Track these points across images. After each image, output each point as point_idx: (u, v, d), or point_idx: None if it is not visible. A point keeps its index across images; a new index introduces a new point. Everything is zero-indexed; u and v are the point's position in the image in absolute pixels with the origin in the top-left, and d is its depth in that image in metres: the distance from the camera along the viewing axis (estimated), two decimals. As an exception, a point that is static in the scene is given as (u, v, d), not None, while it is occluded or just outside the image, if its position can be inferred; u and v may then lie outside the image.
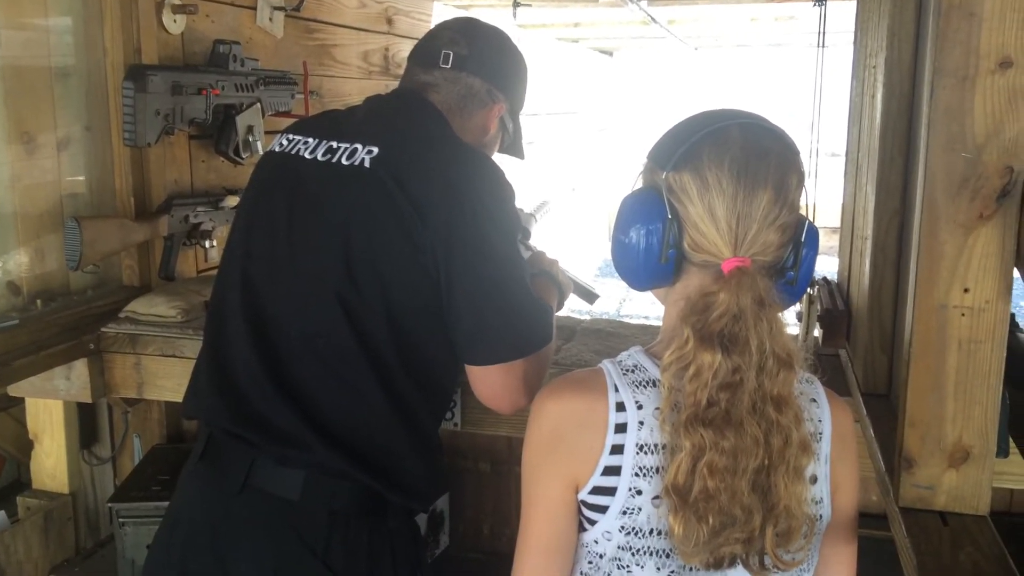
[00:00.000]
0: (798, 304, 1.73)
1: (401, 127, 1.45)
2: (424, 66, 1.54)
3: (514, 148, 1.70)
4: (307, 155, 1.45)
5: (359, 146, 1.40)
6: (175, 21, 2.18)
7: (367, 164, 1.38)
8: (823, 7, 2.41)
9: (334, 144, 1.43)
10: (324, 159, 1.43)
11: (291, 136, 1.50)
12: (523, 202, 1.60)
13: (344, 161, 1.40)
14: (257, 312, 1.42)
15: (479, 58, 1.53)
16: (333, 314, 1.36)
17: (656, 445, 1.04)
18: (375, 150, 1.39)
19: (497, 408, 1.42)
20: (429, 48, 1.55)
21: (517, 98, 1.63)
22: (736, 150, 1.05)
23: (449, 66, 1.51)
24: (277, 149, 1.51)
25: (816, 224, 1.11)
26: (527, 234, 1.80)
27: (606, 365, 1.10)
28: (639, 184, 1.13)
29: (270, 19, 2.62)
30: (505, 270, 1.38)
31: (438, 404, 1.51)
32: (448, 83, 1.52)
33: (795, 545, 1.04)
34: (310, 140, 1.47)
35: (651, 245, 1.06)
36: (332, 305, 1.36)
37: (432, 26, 1.64)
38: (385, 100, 1.54)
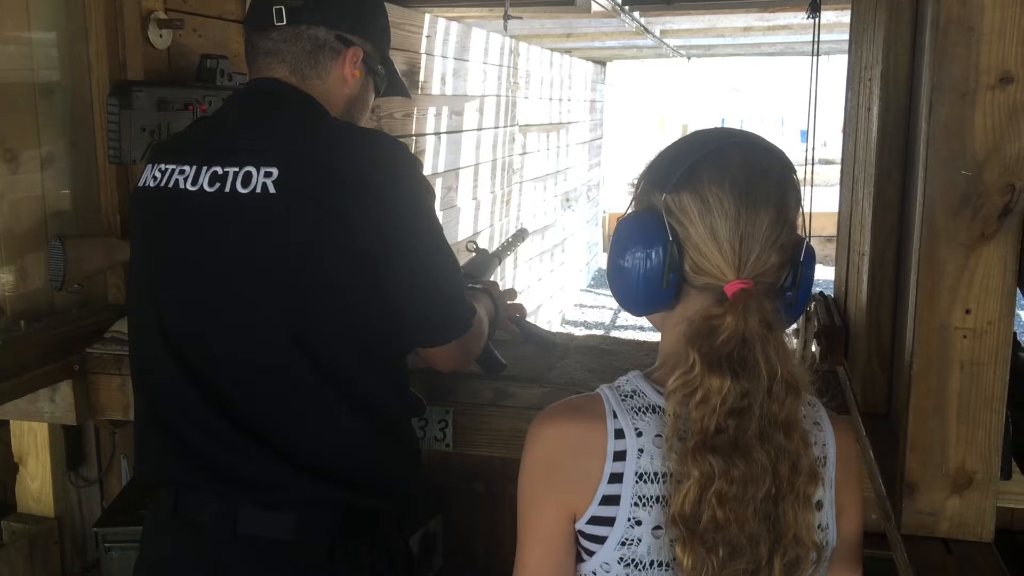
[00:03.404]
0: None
1: (287, 135, 1.36)
2: (260, 29, 1.42)
3: (394, 88, 1.60)
4: (190, 187, 1.35)
5: (252, 169, 1.31)
6: (161, 36, 2.15)
7: (272, 190, 1.29)
8: (817, 18, 2.39)
9: (219, 170, 1.33)
10: (214, 189, 1.33)
11: (162, 167, 1.39)
12: (487, 242, 1.60)
13: (241, 188, 1.31)
14: (193, 366, 1.35)
15: (315, 4, 1.41)
16: (284, 348, 1.30)
17: (656, 473, 1.01)
18: (274, 172, 1.30)
19: (445, 371, 1.51)
20: (260, 6, 1.42)
21: (376, 34, 1.51)
22: (737, 170, 1.03)
23: (285, 23, 1.39)
24: (152, 184, 1.40)
25: (811, 233, 1.09)
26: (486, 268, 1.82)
27: (604, 391, 1.07)
28: (633, 207, 1.10)
29: (259, 33, 2.58)
30: (439, 250, 1.38)
31: (405, 389, 1.47)
32: (289, 43, 1.40)
33: (804, 575, 1.01)
34: (187, 168, 1.36)
35: (651, 269, 1.03)
36: (281, 340, 1.30)
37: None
38: (250, 102, 1.44)
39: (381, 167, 1.33)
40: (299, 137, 1.36)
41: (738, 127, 1.21)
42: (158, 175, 1.40)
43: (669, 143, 1.12)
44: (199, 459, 1.34)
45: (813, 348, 1.79)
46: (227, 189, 1.32)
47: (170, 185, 1.37)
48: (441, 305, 1.38)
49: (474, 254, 1.89)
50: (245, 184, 1.31)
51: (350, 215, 1.28)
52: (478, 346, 1.53)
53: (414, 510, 1.49)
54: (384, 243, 1.30)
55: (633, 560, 1.02)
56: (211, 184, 1.33)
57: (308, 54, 1.41)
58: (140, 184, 1.44)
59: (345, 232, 1.28)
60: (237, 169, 1.32)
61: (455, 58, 5.32)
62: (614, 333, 8.44)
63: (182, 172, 1.36)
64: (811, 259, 1.06)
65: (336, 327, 1.32)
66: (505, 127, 6.69)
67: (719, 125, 1.40)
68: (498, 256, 1.92)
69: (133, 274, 1.47)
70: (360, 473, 1.36)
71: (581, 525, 1.04)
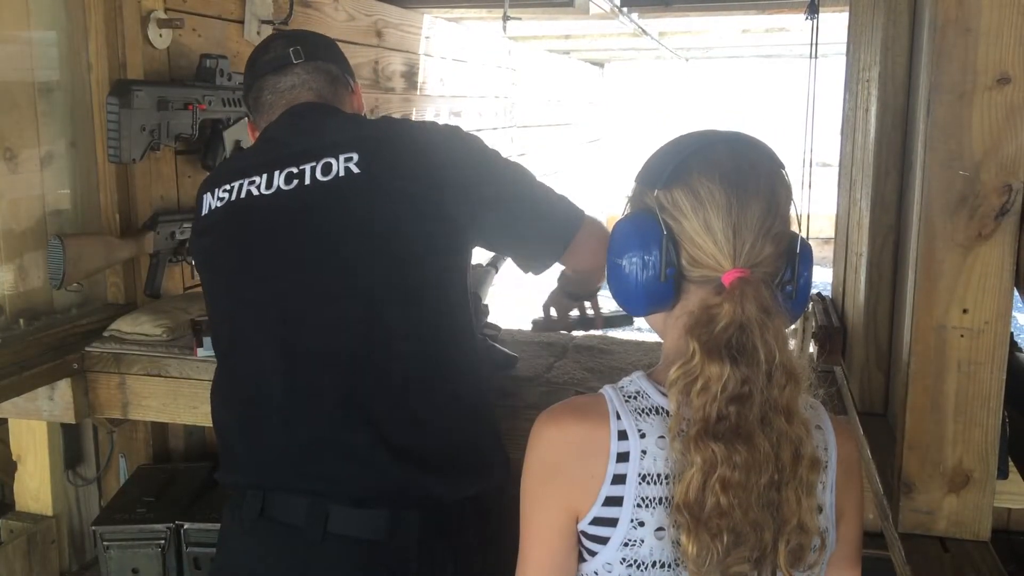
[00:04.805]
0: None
1: (352, 128, 1.45)
2: (279, 70, 1.51)
3: None
4: (265, 191, 1.39)
5: (330, 160, 1.38)
6: (161, 35, 2.15)
7: (356, 170, 1.36)
8: (815, 20, 2.39)
9: (293, 169, 1.39)
10: (292, 185, 1.38)
11: (226, 187, 1.43)
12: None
13: (321, 177, 1.37)
14: (296, 355, 1.35)
15: (319, 48, 1.55)
16: (390, 315, 1.34)
17: (660, 475, 1.01)
18: (354, 156, 1.37)
19: (595, 268, 1.58)
20: (273, 57, 1.53)
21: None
22: (726, 163, 1.03)
23: (303, 59, 1.51)
24: (218, 204, 1.43)
25: (809, 234, 1.09)
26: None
27: (607, 391, 1.07)
28: (628, 209, 1.11)
29: (258, 33, 2.59)
30: (519, 173, 1.49)
31: (479, 367, 1.51)
32: (311, 74, 1.52)
33: (806, 563, 1.01)
34: (256, 178, 1.41)
35: (649, 266, 1.04)
36: (390, 306, 1.35)
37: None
38: (298, 118, 1.49)
39: (440, 134, 1.45)
40: (364, 126, 1.48)
41: (737, 128, 1.22)
42: (224, 195, 1.43)
43: (658, 146, 1.12)
44: (291, 461, 1.34)
45: (811, 348, 1.80)
46: (307, 182, 1.38)
47: (242, 196, 1.41)
48: (551, 211, 1.48)
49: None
50: (325, 172, 1.38)
51: (431, 180, 1.37)
52: (602, 228, 1.55)
53: (503, 502, 1.47)
54: (474, 200, 1.39)
55: (635, 561, 1.02)
56: (287, 182, 1.39)
57: (328, 84, 1.53)
58: (203, 214, 1.47)
59: (431, 196, 1.36)
60: (314, 163, 1.39)
61: (454, 59, 5.32)
62: (611, 333, 8.42)
63: (252, 182, 1.41)
64: (808, 253, 1.06)
65: (435, 292, 1.38)
66: (504, 128, 6.69)
67: (711, 127, 1.42)
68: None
69: (220, 284, 1.47)
70: (455, 456, 1.37)
71: (584, 525, 1.04)
